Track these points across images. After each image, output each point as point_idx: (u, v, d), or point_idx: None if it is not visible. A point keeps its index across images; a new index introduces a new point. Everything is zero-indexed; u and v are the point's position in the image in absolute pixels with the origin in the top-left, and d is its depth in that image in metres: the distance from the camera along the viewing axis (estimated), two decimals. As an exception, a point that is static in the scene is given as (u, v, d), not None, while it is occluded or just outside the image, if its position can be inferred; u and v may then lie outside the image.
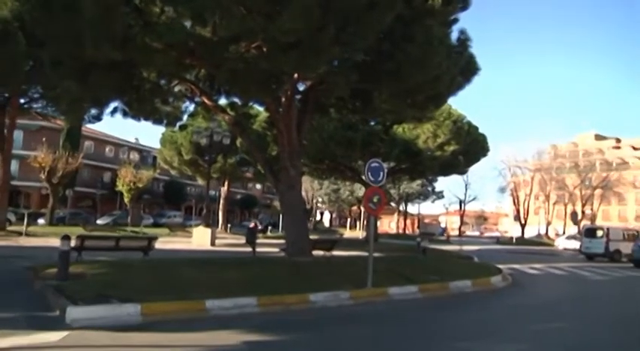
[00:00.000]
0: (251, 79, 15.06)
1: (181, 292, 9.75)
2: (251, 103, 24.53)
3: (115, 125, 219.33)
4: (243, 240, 26.20)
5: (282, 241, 22.78)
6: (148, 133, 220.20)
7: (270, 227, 49.10)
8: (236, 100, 21.70)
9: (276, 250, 21.23)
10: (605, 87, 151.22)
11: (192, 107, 23.39)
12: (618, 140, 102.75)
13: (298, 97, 18.96)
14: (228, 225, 48.80)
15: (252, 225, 25.38)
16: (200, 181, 49.49)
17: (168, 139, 43.33)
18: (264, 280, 12.00)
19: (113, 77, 14.69)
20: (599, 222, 68.54)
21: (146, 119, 19.75)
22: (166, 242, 25.46)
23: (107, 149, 59.80)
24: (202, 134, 32.08)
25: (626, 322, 10.61)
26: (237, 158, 43.01)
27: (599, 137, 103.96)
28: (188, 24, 13.22)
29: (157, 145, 48.18)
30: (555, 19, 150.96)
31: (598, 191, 69.57)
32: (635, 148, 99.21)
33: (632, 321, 10.79)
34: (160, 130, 48.56)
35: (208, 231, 28.95)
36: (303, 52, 12.80)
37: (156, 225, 46.22)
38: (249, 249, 22.04)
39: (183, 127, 38.00)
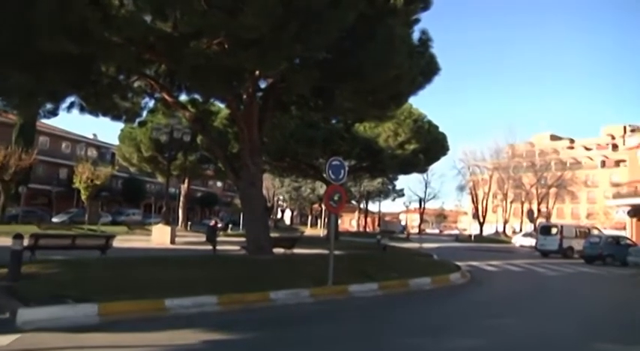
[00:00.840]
0: (212, 75, 14.90)
1: (140, 291, 9.58)
2: (212, 100, 24.32)
3: (72, 121, 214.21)
4: (203, 238, 26.05)
5: (242, 239, 22.68)
6: (107, 130, 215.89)
7: (230, 225, 48.75)
8: (197, 96, 21.48)
9: (236, 248, 21.12)
10: (561, 88, 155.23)
11: (152, 103, 22.97)
12: (572, 141, 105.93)
13: (260, 94, 18.87)
14: (189, 223, 48.27)
15: (212, 223, 25.22)
16: (160, 179, 48.71)
17: (127, 135, 42.56)
18: (225, 278, 11.91)
19: (69, 71, 14.29)
20: (553, 220, 70.37)
21: (104, 115, 19.30)
22: (125, 241, 25.00)
23: (64, 145, 58.22)
24: (162, 131, 31.54)
25: (577, 315, 10.98)
26: (197, 155, 42.57)
27: (554, 138, 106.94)
28: (148, 18, 12.98)
29: (116, 142, 47.26)
30: (514, 19, 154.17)
31: (553, 190, 71.40)
32: (587, 149, 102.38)
33: (582, 314, 11.18)
34: (119, 126, 47.59)
35: (168, 229, 28.55)
36: (264, 49, 12.76)
37: (114, 223, 45.39)
38: (210, 247, 21.97)
39: (142, 124, 37.31)
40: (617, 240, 29.75)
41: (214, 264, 15.20)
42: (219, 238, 24.17)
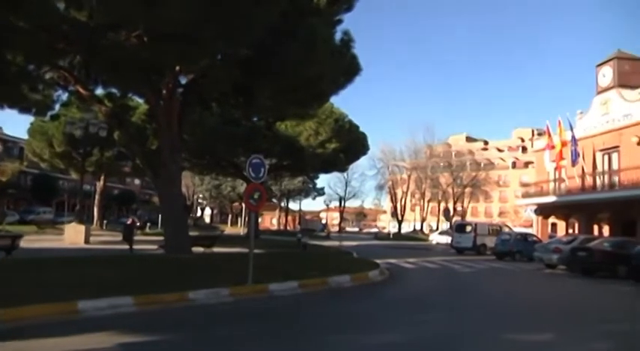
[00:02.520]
0: (130, 69, 14.48)
1: (50, 294, 9.11)
2: (130, 95, 23.54)
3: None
4: (120, 237, 25.31)
5: (161, 237, 22.15)
6: (14, 123, 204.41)
7: (148, 224, 47.54)
8: (114, 90, 20.73)
9: (154, 247, 20.69)
10: (477, 91, 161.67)
11: (65, 96, 22.00)
12: (486, 143, 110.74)
13: (180, 90, 18.48)
14: (104, 221, 46.64)
15: (129, 221, 24.51)
16: (74, 175, 46.68)
17: (37, 129, 40.48)
18: (142, 278, 11.57)
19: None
20: (468, 218, 73.34)
21: (11, 107, 18.19)
22: (34, 240, 23.82)
23: (-34, 139, 54.66)
24: (76, 125, 30.20)
25: (489, 308, 11.46)
26: (114, 152, 41.17)
27: (469, 139, 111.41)
28: (62, 5, 12.38)
29: (25, 136, 44.82)
30: (433, 22, 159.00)
31: (468, 189, 74.29)
32: (499, 150, 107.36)
33: (494, 307, 11.68)
34: (29, 119, 45.16)
35: (82, 228, 27.41)
36: (185, 44, 12.49)
37: (22, 222, 42.87)
38: (126, 246, 21.47)
39: (55, 118, 35.60)
40: (525, 237, 31.35)
41: (131, 264, 14.74)
42: (136, 237, 23.54)
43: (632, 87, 28.66)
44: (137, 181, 77.62)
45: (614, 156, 29.63)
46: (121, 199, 72.72)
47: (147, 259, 16.81)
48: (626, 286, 16.88)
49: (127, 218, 34.22)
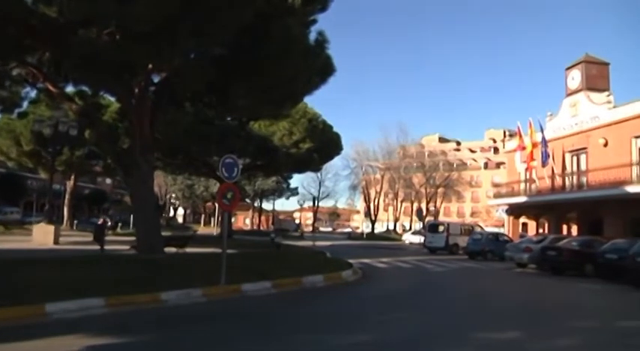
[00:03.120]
0: (102, 67, 14.23)
1: (17, 296, 8.91)
2: (102, 93, 23.19)
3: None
4: (90, 237, 24.88)
5: (133, 238, 21.89)
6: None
7: (120, 224, 46.91)
8: (85, 88, 20.39)
9: (126, 247, 20.45)
10: (449, 93, 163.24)
11: (34, 93, 21.55)
12: (459, 143, 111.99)
13: (152, 88, 18.27)
14: (75, 222, 45.83)
15: (100, 221, 24.18)
16: (43, 175, 45.75)
17: (4, 127, 39.50)
18: (113, 279, 11.38)
19: None
20: (441, 218, 73.97)
21: (-24, 104, 17.83)
22: (1, 241, 23.29)
23: None
24: (46, 123, 29.55)
25: (460, 308, 11.55)
26: (85, 150, 40.45)
27: (442, 140, 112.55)
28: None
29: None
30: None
31: (441, 190, 74.87)
32: (472, 151, 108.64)
33: (465, 306, 11.81)
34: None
35: (51, 228, 26.90)
36: (158, 43, 12.34)
37: (-12, 222, 41.97)
38: (97, 247, 21.22)
39: (23, 115, 34.88)
40: (496, 236, 31.83)
41: (101, 264, 14.51)
42: (108, 238, 23.24)
43: (600, 90, 29.28)
44: (109, 181, 76.38)
45: (583, 157, 30.22)
46: (92, 198, 71.47)
47: (118, 259, 16.56)
48: (593, 284, 17.25)
49: (98, 218, 33.74)
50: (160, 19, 11.61)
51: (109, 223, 35.15)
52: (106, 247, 21.09)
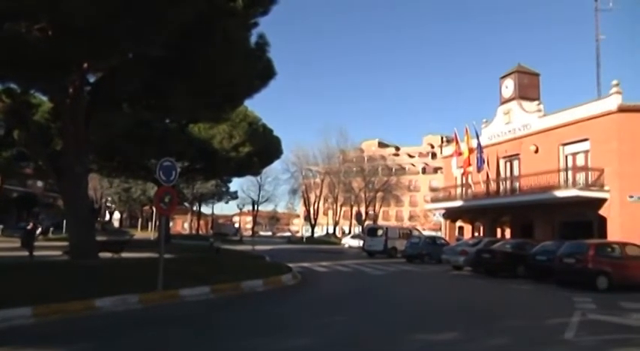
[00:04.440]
0: (32, 64, 13.63)
1: None
2: (32, 91, 22.24)
3: None
4: (19, 243, 23.81)
5: (65, 243, 21.08)
6: None
7: (52, 228, 45.12)
8: (14, 86, 19.49)
9: (58, 253, 19.75)
10: (388, 98, 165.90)
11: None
12: (397, 148, 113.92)
13: (88, 88, 17.68)
14: (1, 226, 43.77)
15: (29, 226, 23.18)
16: (-34, 177, 43.58)
17: None
18: (42, 286, 10.90)
19: None
20: (380, 222, 74.98)
21: None
22: None
23: None
24: (-31, 123, 28.19)
25: (398, 311, 11.71)
26: (13, 152, 38.65)
27: (382, 145, 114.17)
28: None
29: None
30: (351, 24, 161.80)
31: (380, 194, 76.01)
32: (410, 156, 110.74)
33: (403, 310, 11.94)
34: None
35: (-25, 233, 25.62)
36: (93, 40, 11.94)
37: None
38: (26, 253, 20.42)
39: (-57, 114, 33.03)
40: (433, 240, 32.56)
41: (30, 271, 13.92)
42: (38, 243, 22.30)
43: (531, 99, 30.49)
44: (40, 184, 73.48)
45: (515, 163, 31.30)
46: (21, 202, 68.46)
47: (49, 266, 15.92)
48: (524, 285, 17.94)
49: (27, 223, 32.33)
50: (95, 16, 11.23)
51: (40, 228, 33.78)
52: (36, 253, 20.28)
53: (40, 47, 12.78)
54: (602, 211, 24.00)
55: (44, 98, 26.12)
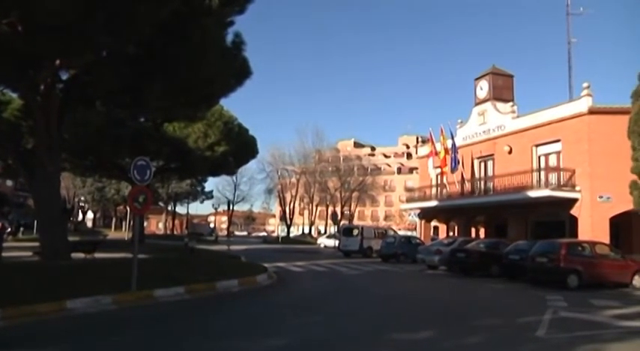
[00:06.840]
0: (2, 60, 13.37)
1: None
2: (2, 88, 21.82)
3: None
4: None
5: (36, 243, 20.69)
6: None
7: (22, 228, 44.30)
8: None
9: (28, 253, 19.37)
10: (364, 98, 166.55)
11: None
12: (373, 148, 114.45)
13: (60, 86, 17.39)
14: (-31, 227, 42.76)
15: (-2, 226, 22.71)
16: None
17: None
18: (11, 288, 10.70)
19: None
20: (355, 222, 75.23)
21: None
22: None
23: None
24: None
25: (374, 311, 11.75)
26: (-18, 150, 37.91)
27: (357, 145, 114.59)
28: None
29: None
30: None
31: (355, 194, 76.24)
32: (386, 156, 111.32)
33: (379, 308, 12.01)
34: None
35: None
36: (65, 37, 11.75)
37: None
38: (-5, 254, 19.78)
39: None
40: (408, 240, 32.73)
41: (-1, 272, 13.63)
42: (7, 244, 21.87)
43: (505, 100, 30.90)
44: (10, 182, 72.13)
45: (490, 163, 31.67)
46: (-10, 201, 67.21)
47: (18, 267, 15.63)
48: (498, 284, 18.17)
49: (-4, 222, 31.71)
50: (68, 13, 11.05)
51: (9, 229, 33.16)
52: (5, 254, 19.84)
53: (8, 43, 12.53)
54: (573, 211, 24.43)
55: (15, 95, 25.64)
